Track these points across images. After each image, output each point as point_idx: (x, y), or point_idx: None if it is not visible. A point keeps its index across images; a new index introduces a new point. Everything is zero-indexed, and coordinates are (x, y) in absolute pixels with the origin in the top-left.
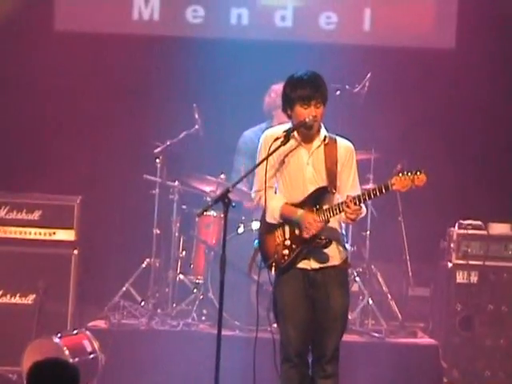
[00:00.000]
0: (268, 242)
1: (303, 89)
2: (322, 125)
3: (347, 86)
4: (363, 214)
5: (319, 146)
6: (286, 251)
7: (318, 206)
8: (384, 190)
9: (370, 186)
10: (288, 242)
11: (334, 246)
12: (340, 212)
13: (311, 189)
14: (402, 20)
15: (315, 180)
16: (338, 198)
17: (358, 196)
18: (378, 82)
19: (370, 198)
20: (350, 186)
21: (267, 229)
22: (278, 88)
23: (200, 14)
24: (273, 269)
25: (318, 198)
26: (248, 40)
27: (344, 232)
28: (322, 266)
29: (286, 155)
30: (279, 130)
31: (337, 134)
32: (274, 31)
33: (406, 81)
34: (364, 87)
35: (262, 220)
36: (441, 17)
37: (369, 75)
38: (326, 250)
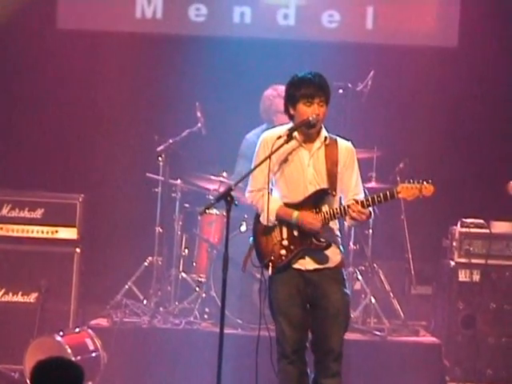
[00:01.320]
0: (264, 240)
1: (307, 87)
2: (323, 126)
3: (350, 85)
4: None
5: (320, 147)
6: (284, 251)
7: (317, 208)
8: (389, 198)
9: (373, 184)
10: (286, 243)
11: (331, 247)
12: (341, 215)
13: (311, 190)
14: (404, 18)
15: (316, 181)
16: (341, 198)
17: (362, 201)
18: (380, 81)
19: (373, 203)
20: (353, 186)
21: (263, 228)
22: (270, 93)
23: (203, 13)
24: (270, 268)
25: (318, 200)
26: (251, 38)
27: (340, 234)
28: (316, 267)
29: (287, 156)
30: (278, 130)
31: (337, 135)
32: (276, 29)
33: (408, 79)
34: (367, 85)
35: (257, 219)
36: (443, 15)
37: (371, 73)
38: (324, 252)
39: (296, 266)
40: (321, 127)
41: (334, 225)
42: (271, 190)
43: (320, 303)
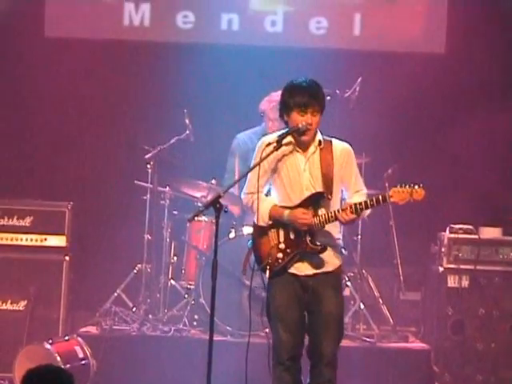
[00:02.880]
0: (261, 244)
1: (301, 96)
2: (318, 130)
3: (337, 91)
4: (368, 211)
5: (315, 151)
6: (280, 254)
7: (313, 212)
8: (382, 202)
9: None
10: (282, 246)
11: (329, 251)
12: (335, 219)
13: (307, 194)
14: (391, 25)
15: (312, 186)
16: (344, 196)
17: (355, 205)
18: (368, 87)
19: (366, 208)
20: (353, 183)
21: (260, 231)
22: (265, 104)
23: (190, 20)
24: (267, 271)
25: (314, 203)
26: (238, 45)
27: (341, 236)
28: (314, 271)
29: (284, 161)
30: (275, 136)
31: (332, 136)
32: (264, 36)
33: (396, 85)
34: (354, 92)
35: (256, 222)
36: (431, 22)
37: (359, 80)
38: (321, 256)
39: (292, 270)
40: (315, 133)
41: (334, 228)
42: (269, 193)
43: (315, 308)
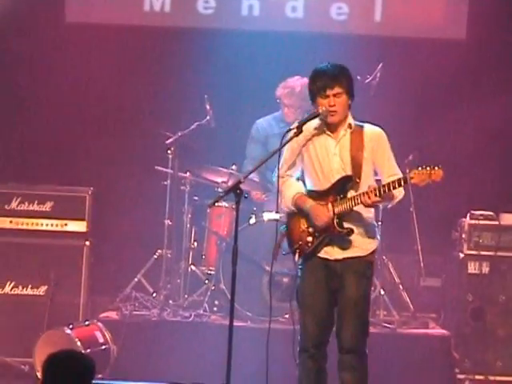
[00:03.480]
0: (293, 228)
1: (320, 79)
2: (350, 113)
3: (358, 77)
4: (401, 197)
5: (345, 134)
6: (310, 238)
7: (342, 195)
8: (403, 183)
9: None
10: (311, 230)
11: (359, 236)
12: (360, 202)
13: (338, 178)
14: (412, 10)
15: (342, 169)
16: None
17: (378, 187)
18: (389, 73)
19: (389, 189)
20: (387, 168)
21: (292, 215)
22: (280, 90)
23: (211, 5)
24: (297, 255)
25: (343, 187)
26: (259, 31)
27: (376, 223)
28: (344, 256)
29: (314, 144)
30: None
31: (366, 121)
32: (285, 22)
33: (416, 71)
34: (375, 78)
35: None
36: (452, 7)
37: (380, 66)
38: (351, 239)
39: (322, 254)
40: (346, 115)
41: (368, 213)
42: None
43: (339, 296)
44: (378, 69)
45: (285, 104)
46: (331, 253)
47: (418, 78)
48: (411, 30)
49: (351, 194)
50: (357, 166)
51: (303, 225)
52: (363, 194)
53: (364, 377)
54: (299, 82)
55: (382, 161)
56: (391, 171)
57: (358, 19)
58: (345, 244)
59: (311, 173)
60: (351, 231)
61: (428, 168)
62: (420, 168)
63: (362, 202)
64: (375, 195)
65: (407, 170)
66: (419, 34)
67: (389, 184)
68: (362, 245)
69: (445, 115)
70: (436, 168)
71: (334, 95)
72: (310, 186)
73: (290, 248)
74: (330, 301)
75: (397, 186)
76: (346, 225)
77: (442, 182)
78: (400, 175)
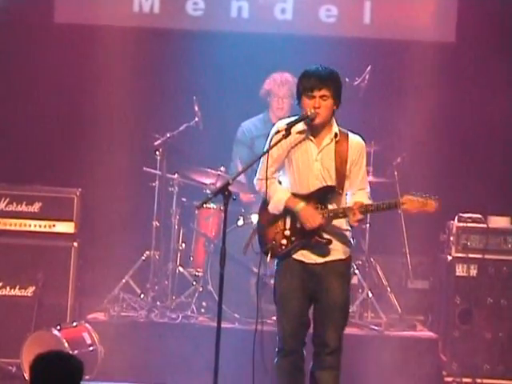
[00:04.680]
0: (268, 227)
1: (308, 79)
2: (335, 121)
3: (347, 79)
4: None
5: (329, 143)
6: (284, 241)
7: (323, 205)
8: (394, 207)
9: (370, 178)
10: (288, 233)
11: (337, 243)
12: (344, 216)
13: (316, 184)
14: (402, 13)
15: (322, 177)
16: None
17: (366, 206)
18: (377, 75)
19: (377, 211)
20: (359, 181)
21: (268, 215)
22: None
23: (200, 7)
24: (269, 255)
25: (324, 197)
26: (248, 33)
27: (349, 227)
28: (326, 259)
29: (296, 148)
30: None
31: (348, 129)
32: (274, 24)
33: (405, 74)
34: (364, 80)
35: (263, 205)
36: (441, 10)
37: (369, 68)
38: (329, 246)
39: (298, 257)
40: (329, 121)
41: (343, 220)
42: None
43: (320, 297)
44: (366, 71)
45: (278, 95)
46: (308, 256)
47: (406, 80)
48: (400, 32)
49: (332, 205)
50: (341, 177)
51: (279, 226)
52: (349, 209)
53: (339, 374)
54: (286, 75)
55: (357, 173)
56: (362, 185)
57: (347, 21)
58: (322, 250)
59: (290, 175)
60: (330, 242)
61: (421, 198)
62: (413, 196)
63: (349, 219)
64: (360, 213)
65: (395, 173)
66: (408, 36)
67: (378, 205)
68: (340, 249)
69: (434, 117)
70: (431, 199)
71: (321, 97)
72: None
73: (262, 247)
74: (306, 302)
75: (386, 208)
76: (325, 235)
77: (425, 178)
78: (368, 189)
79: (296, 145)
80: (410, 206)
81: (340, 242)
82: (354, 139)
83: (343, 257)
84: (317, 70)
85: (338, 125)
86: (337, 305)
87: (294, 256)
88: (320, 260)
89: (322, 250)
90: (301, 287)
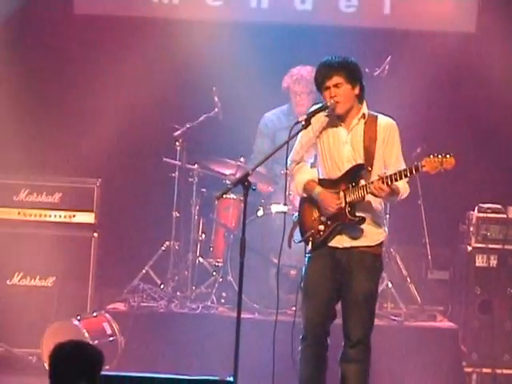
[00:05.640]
0: (305, 217)
1: (320, 72)
2: (365, 103)
3: (367, 70)
4: (405, 194)
5: (358, 123)
6: (322, 227)
7: (354, 183)
8: (414, 171)
9: None
10: (324, 218)
11: (370, 225)
12: (370, 190)
13: (348, 167)
14: (421, 3)
15: (353, 158)
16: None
17: (390, 176)
18: (397, 66)
19: (400, 178)
20: (393, 161)
21: (304, 204)
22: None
23: None
24: (310, 243)
25: (355, 175)
26: (268, 23)
27: (385, 215)
28: (353, 244)
29: (326, 132)
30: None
31: (379, 112)
32: (293, 14)
33: (425, 64)
34: (384, 71)
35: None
36: (461, 1)
37: (389, 59)
38: (361, 227)
39: (332, 243)
40: (357, 105)
41: (378, 204)
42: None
43: (345, 288)
44: (386, 61)
45: (296, 92)
46: (341, 241)
47: (426, 71)
48: (420, 22)
49: (362, 182)
50: (369, 154)
51: (315, 213)
52: (373, 182)
53: (367, 369)
54: (304, 69)
55: (389, 153)
56: (397, 165)
57: (367, 12)
58: (355, 233)
59: (322, 161)
60: (363, 220)
61: (440, 156)
62: (431, 156)
63: (372, 191)
64: (387, 184)
65: (415, 163)
66: (428, 26)
67: (400, 172)
68: (371, 235)
69: (453, 108)
70: (448, 156)
71: (335, 86)
72: (321, 175)
73: (303, 236)
74: (333, 292)
75: (408, 173)
76: (357, 213)
77: (452, 171)
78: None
79: (325, 130)
80: (429, 167)
81: (372, 226)
82: (383, 120)
83: (370, 244)
84: (326, 60)
85: (368, 108)
86: (360, 298)
87: (329, 243)
88: (347, 244)
89: (355, 231)
90: (330, 277)
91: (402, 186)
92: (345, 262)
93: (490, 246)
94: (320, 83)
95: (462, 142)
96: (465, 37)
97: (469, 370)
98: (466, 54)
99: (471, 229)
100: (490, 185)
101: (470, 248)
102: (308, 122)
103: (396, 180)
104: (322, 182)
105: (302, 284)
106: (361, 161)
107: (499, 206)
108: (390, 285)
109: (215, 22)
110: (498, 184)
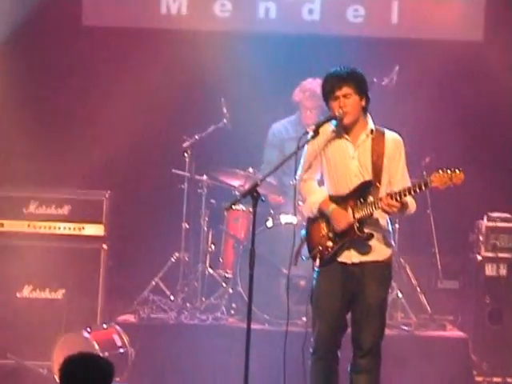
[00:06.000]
0: (313, 232)
1: (327, 82)
2: (370, 118)
3: (375, 79)
4: (413, 210)
5: (365, 139)
6: (330, 243)
7: (362, 200)
8: (424, 187)
9: None
10: (332, 234)
11: (377, 241)
12: (374, 208)
13: (356, 182)
14: (429, 12)
15: (360, 174)
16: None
17: (399, 192)
18: (405, 75)
19: (410, 193)
20: (400, 178)
21: (312, 221)
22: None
23: (228, 8)
24: (317, 260)
25: (363, 192)
26: (275, 33)
27: (391, 229)
28: (362, 260)
29: (332, 147)
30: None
31: (385, 127)
32: (301, 24)
33: (433, 73)
34: (392, 80)
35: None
36: (469, 9)
37: (396, 68)
38: (370, 244)
39: (341, 259)
40: (362, 118)
41: (384, 220)
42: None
43: (357, 299)
44: (394, 71)
45: (306, 107)
46: (349, 256)
47: (434, 80)
48: (428, 31)
49: (371, 199)
50: (377, 170)
51: (323, 230)
52: (382, 198)
53: (377, 380)
54: (316, 83)
55: (395, 169)
56: (403, 182)
57: (374, 21)
58: (364, 249)
59: (328, 176)
60: (371, 236)
61: (449, 171)
62: (441, 171)
63: (381, 207)
64: (396, 200)
65: (424, 173)
66: (436, 35)
67: (409, 188)
68: (379, 250)
69: (461, 117)
70: (457, 171)
71: (344, 96)
72: (328, 190)
73: (310, 253)
74: (344, 306)
75: (417, 189)
76: (366, 230)
77: (461, 185)
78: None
79: (332, 144)
80: (438, 182)
81: (379, 242)
82: (391, 135)
83: (379, 259)
84: (335, 70)
85: (374, 122)
86: (371, 308)
87: (338, 259)
88: (357, 260)
89: (363, 247)
90: (341, 290)
91: (410, 201)
92: (358, 272)
93: (500, 255)
94: (328, 93)
95: (472, 151)
96: (472, 45)
97: (479, 379)
98: (473, 62)
99: (480, 238)
100: (499, 193)
101: (479, 257)
102: (317, 132)
103: (405, 195)
104: (331, 198)
105: (311, 297)
106: (368, 177)
107: (508, 215)
108: (400, 294)
109: (223, 32)
110: (507, 193)
